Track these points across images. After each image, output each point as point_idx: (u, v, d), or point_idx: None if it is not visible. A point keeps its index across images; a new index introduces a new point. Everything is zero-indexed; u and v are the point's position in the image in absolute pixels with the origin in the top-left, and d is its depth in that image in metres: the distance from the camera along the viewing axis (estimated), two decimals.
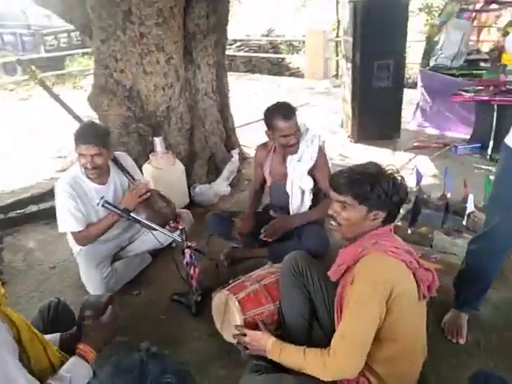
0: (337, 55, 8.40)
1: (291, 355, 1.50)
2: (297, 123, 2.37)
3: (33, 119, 6.57)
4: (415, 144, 4.67)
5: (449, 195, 3.03)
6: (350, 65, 4.79)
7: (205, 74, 3.66)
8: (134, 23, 3.14)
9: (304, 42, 8.87)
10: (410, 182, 3.35)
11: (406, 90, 4.99)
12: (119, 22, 3.15)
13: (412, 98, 5.41)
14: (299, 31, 10.98)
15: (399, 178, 1.52)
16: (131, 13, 3.10)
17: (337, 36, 8.22)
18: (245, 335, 1.69)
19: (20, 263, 2.85)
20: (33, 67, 3.51)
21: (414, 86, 6.06)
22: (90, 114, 3.78)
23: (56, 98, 4.04)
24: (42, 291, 2.55)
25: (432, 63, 5.30)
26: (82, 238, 2.40)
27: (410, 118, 5.34)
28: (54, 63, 9.63)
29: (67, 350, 1.57)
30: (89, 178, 2.40)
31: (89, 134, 2.29)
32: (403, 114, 4.95)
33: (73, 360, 1.43)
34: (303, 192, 2.51)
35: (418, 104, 5.26)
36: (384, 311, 1.38)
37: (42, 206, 3.45)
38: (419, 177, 3.11)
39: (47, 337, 1.62)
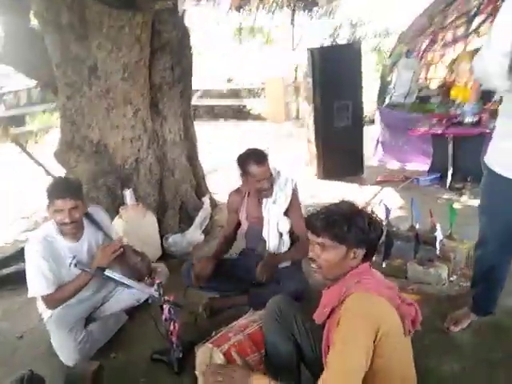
0: (297, 98, 8.73)
1: None
2: (269, 168, 2.43)
3: None
4: (379, 179, 4.84)
5: (417, 226, 3.11)
6: (311, 106, 4.99)
7: (172, 125, 3.70)
8: (99, 78, 3.17)
9: (263, 88, 9.20)
10: (379, 216, 3.44)
11: (365, 128, 5.22)
12: (85, 77, 3.17)
13: (372, 135, 5.64)
14: (258, 78, 11.38)
15: (373, 214, 1.56)
16: (97, 68, 3.15)
17: (294, 80, 8.59)
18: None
19: None
20: (7, 126, 3.48)
21: (372, 122, 6.35)
22: (56, 169, 3.71)
23: (28, 154, 3.99)
24: (11, 366, 2.36)
25: (387, 101, 5.62)
26: (54, 301, 2.28)
27: (372, 154, 5.54)
28: (14, 121, 9.48)
29: None
30: (62, 235, 2.32)
31: (64, 188, 2.25)
32: (365, 150, 5.15)
33: None
34: (281, 235, 2.53)
35: (377, 140, 5.50)
36: (371, 349, 1.36)
37: (6, 270, 3.28)
38: (387, 211, 3.19)
39: None
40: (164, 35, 3.47)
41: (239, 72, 12.02)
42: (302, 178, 5.05)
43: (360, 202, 1.60)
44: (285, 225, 2.51)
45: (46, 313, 2.38)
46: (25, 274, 2.29)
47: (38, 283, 2.23)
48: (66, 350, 2.26)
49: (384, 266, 2.90)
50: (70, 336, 2.26)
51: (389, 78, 5.83)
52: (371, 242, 1.52)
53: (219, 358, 1.76)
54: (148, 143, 3.47)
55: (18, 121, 9.82)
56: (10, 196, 5.46)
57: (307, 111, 5.27)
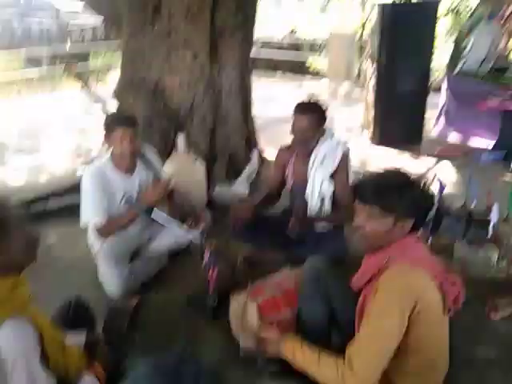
0: (360, 56, 8.30)
1: (304, 356, 1.47)
2: (310, 123, 2.37)
3: (55, 113, 6.66)
4: (437, 151, 4.59)
5: (472, 205, 2.96)
6: (374, 67, 4.73)
7: (229, 73, 3.65)
8: (162, 19, 3.17)
9: (326, 43, 8.80)
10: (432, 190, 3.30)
11: (430, 95, 4.90)
12: (148, 17, 3.18)
13: (436, 103, 5.31)
14: (322, 33, 10.90)
15: (425, 184, 1.49)
16: (161, 7, 3.13)
17: (360, 38, 8.13)
18: (260, 335, 1.67)
19: (41, 258, 2.87)
20: (72, 63, 3.61)
21: (438, 90, 5.95)
22: (114, 108, 3.81)
23: (89, 90, 4.12)
24: (62, 289, 2.55)
25: (458, 68, 5.19)
26: (103, 232, 2.41)
27: (433, 124, 5.24)
28: (78, 58, 9.77)
29: (89, 350, 1.62)
30: (116, 169, 2.42)
31: (124, 118, 2.37)
32: (426, 118, 4.86)
33: (86, 378, 1.48)
34: (323, 198, 2.49)
35: (441, 109, 5.16)
36: (405, 325, 1.35)
37: (64, 201, 3.49)
38: (441, 186, 3.04)
39: (73, 337, 1.66)
40: None
41: (303, 24, 11.56)
42: (354, 142, 4.92)
43: (414, 173, 1.52)
44: (328, 188, 2.46)
45: (95, 245, 2.53)
46: (80, 206, 2.42)
47: (90, 212, 2.36)
48: (110, 281, 2.41)
49: (430, 242, 2.81)
50: (115, 269, 2.40)
51: (463, 44, 5.37)
52: (420, 215, 1.47)
53: (252, 309, 1.81)
54: (204, 90, 3.46)
55: (82, 58, 10.11)
56: (70, 131, 5.71)
57: (369, 71, 5.00)
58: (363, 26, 8.04)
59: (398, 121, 4.70)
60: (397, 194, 1.42)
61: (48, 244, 3.07)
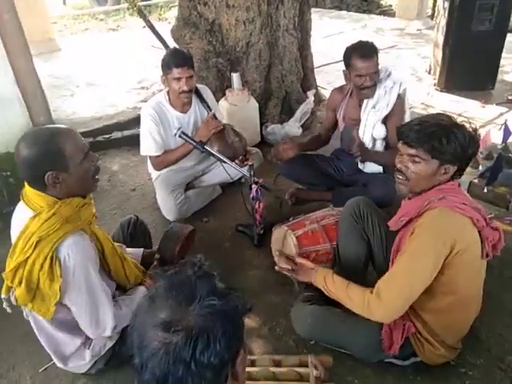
0: None
1: (335, 285, 1.55)
2: (376, 65, 2.27)
3: (120, 50, 6.86)
4: (510, 97, 4.24)
5: None
6: (447, 3, 4.34)
7: (287, 10, 3.54)
8: None
9: None
10: (496, 138, 3.12)
11: (509, 36, 4.46)
12: None
13: None
14: None
15: (472, 129, 1.44)
16: None
17: None
18: (295, 263, 1.77)
19: (105, 183, 3.16)
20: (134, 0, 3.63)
21: None
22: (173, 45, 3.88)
23: (151, 26, 4.16)
24: (123, 210, 2.83)
25: None
26: (159, 163, 2.59)
27: (510, 68, 4.80)
28: None
29: (146, 265, 1.83)
30: (172, 105, 2.54)
31: (181, 58, 2.40)
32: (502, 62, 4.46)
33: (140, 289, 1.68)
34: (375, 140, 2.45)
35: None
36: (439, 267, 1.37)
37: (126, 132, 3.72)
38: (507, 133, 2.88)
39: (131, 250, 1.88)
40: None
41: None
42: (418, 86, 4.67)
43: (478, 121, 1.46)
44: (380, 132, 2.40)
45: (154, 173, 2.73)
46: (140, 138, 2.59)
47: (148, 144, 2.53)
48: (167, 207, 2.63)
49: (486, 191, 2.71)
50: (171, 196, 2.60)
51: None
52: (466, 160, 1.44)
53: (292, 240, 1.92)
54: (261, 27, 3.41)
55: None
56: (134, 66, 5.90)
57: (442, 9, 4.60)
58: None
59: (468, 64, 4.34)
60: (444, 137, 1.39)
61: (112, 170, 3.34)
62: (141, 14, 3.55)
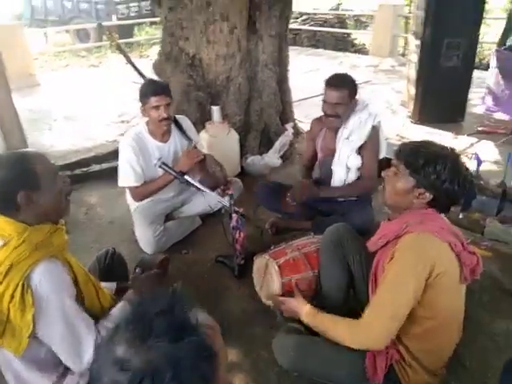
0: (406, 32, 8.00)
1: (321, 321, 1.55)
2: (341, 98, 2.33)
3: (100, 85, 6.92)
4: (480, 128, 4.42)
5: (510, 184, 2.87)
6: (418, 41, 4.58)
7: (266, 46, 3.66)
8: None
9: (372, 16, 8.52)
10: (469, 167, 3.21)
11: (476, 72, 4.70)
12: None
13: (481, 81, 5.08)
14: (368, 5, 10.54)
15: (464, 168, 1.44)
16: None
17: (409, 12, 7.81)
18: (282, 303, 1.76)
19: (82, 216, 3.10)
20: (112, 33, 3.70)
21: (485, 68, 5.67)
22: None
23: (130, 61, 4.23)
24: (100, 243, 2.76)
25: (510, 43, 4.92)
26: (138, 194, 2.55)
27: (478, 101, 5.03)
28: (124, 31, 9.99)
29: (120, 296, 1.74)
30: (151, 135, 2.55)
31: (158, 86, 2.45)
32: (470, 96, 4.68)
33: (122, 304, 1.59)
34: (349, 170, 2.49)
35: (488, 86, 4.94)
36: (421, 291, 1.38)
37: (105, 165, 3.69)
38: (479, 162, 2.97)
39: (105, 284, 1.80)
40: None
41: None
42: (393, 118, 4.83)
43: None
44: (354, 162, 2.44)
45: (132, 204, 2.69)
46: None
47: (127, 174, 2.50)
48: (145, 238, 2.58)
49: (461, 216, 2.77)
50: (150, 228, 2.56)
51: None
52: (442, 193, 1.43)
53: (274, 269, 1.90)
54: (240, 62, 3.50)
55: (127, 31, 10.34)
56: (115, 102, 5.94)
57: (413, 46, 4.85)
58: None
59: (439, 97, 4.54)
60: (424, 158, 1.41)
61: (90, 203, 3.29)
62: (120, 49, 3.62)
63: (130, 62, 3.53)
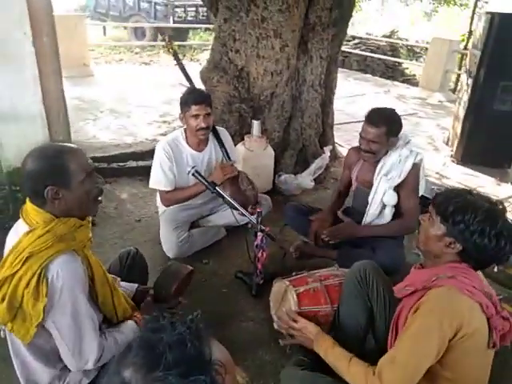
0: (459, 68, 7.82)
1: (336, 356, 1.48)
2: (378, 136, 2.25)
3: (148, 83, 7.09)
4: None
5: None
6: (470, 81, 4.45)
7: (315, 67, 3.65)
8: (258, 7, 3.23)
9: (426, 48, 8.38)
10: (510, 217, 3.07)
11: None
12: (245, 3, 3.26)
13: None
14: (424, 37, 10.41)
15: (504, 226, 1.32)
16: None
17: (464, 48, 7.64)
18: (296, 322, 1.71)
19: (112, 210, 3.15)
20: (171, 39, 3.78)
21: None
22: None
23: (182, 68, 4.32)
24: (125, 240, 2.80)
25: None
26: (167, 199, 2.57)
27: None
28: (178, 34, 10.27)
29: (138, 301, 1.75)
30: (188, 143, 2.56)
31: (200, 95, 2.47)
32: None
33: (130, 323, 1.59)
34: (384, 206, 2.42)
35: None
36: (443, 350, 1.29)
37: (141, 163, 3.75)
38: None
39: (125, 284, 1.81)
40: None
41: (405, 27, 11.12)
42: (435, 156, 4.70)
43: (492, 197, 1.41)
44: (390, 199, 2.36)
45: (161, 208, 2.71)
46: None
47: (158, 177, 2.53)
48: (168, 242, 2.59)
49: (496, 270, 2.62)
50: (174, 233, 2.57)
51: None
52: (472, 246, 1.34)
53: (292, 297, 1.85)
54: (287, 80, 3.50)
55: (182, 34, 10.61)
56: (159, 100, 6.06)
57: (465, 84, 4.72)
58: (469, 34, 7.53)
59: (487, 141, 4.38)
60: (454, 206, 1.35)
61: (121, 198, 3.34)
62: (175, 56, 3.69)
63: (182, 68, 3.59)
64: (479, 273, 1.45)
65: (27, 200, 1.39)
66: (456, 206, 1.36)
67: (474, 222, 1.32)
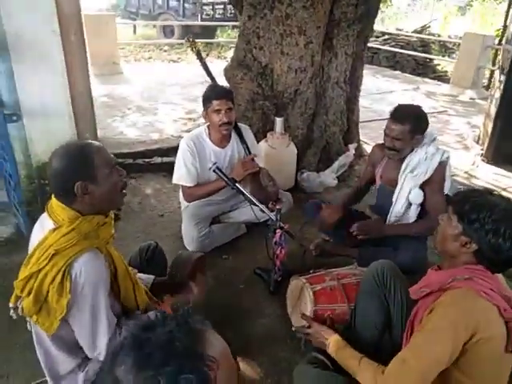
0: (493, 65, 7.55)
1: (347, 357, 1.48)
2: (402, 133, 2.20)
3: (176, 80, 7.18)
4: None
5: None
6: (503, 77, 4.29)
7: (340, 63, 3.61)
8: (282, 3, 3.22)
9: (459, 44, 8.13)
10: None
11: None
12: (269, 0, 3.26)
13: None
14: (457, 32, 10.11)
15: None
16: None
17: (499, 43, 7.37)
18: (310, 326, 1.71)
19: (136, 205, 3.22)
20: (194, 39, 3.82)
21: None
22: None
23: (206, 68, 4.36)
24: (147, 234, 2.85)
25: None
26: (189, 195, 2.61)
27: None
28: (206, 32, 10.35)
29: (156, 292, 1.78)
30: (210, 139, 2.59)
31: (221, 91, 2.51)
32: None
33: (152, 313, 1.61)
34: (410, 205, 2.37)
35: None
36: (457, 353, 1.25)
37: (165, 159, 3.81)
38: None
39: (143, 276, 1.85)
40: None
41: (438, 22, 10.83)
42: (464, 154, 4.57)
43: None
44: (416, 197, 2.32)
45: (183, 203, 2.75)
46: None
47: (181, 173, 2.57)
48: (189, 237, 2.63)
49: None
50: (195, 228, 2.60)
51: None
52: (487, 245, 1.30)
53: (308, 295, 1.85)
54: (311, 77, 3.48)
55: (210, 32, 10.70)
56: (183, 96, 6.13)
57: (498, 81, 4.56)
58: (504, 29, 7.25)
59: None
60: (471, 205, 1.32)
61: (145, 193, 3.41)
62: (198, 54, 3.73)
63: (205, 68, 3.62)
64: (499, 275, 1.41)
65: (52, 197, 1.44)
66: (472, 205, 1.32)
67: (489, 220, 1.28)
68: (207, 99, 2.48)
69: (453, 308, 1.28)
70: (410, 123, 2.20)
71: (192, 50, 3.64)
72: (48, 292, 1.36)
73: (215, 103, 2.44)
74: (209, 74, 4.25)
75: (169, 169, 3.49)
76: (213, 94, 2.46)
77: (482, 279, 1.30)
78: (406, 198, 2.36)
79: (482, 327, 1.23)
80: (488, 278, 1.32)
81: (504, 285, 1.38)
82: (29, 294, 1.37)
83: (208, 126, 2.62)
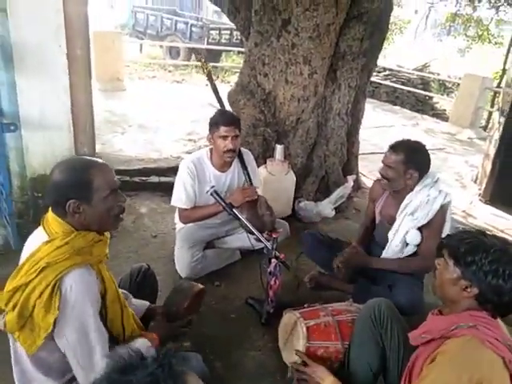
0: (491, 106, 7.68)
1: None
2: (396, 162, 2.20)
3: (178, 101, 7.22)
4: None
5: None
6: (503, 119, 4.35)
7: (343, 95, 3.64)
8: (289, 32, 3.26)
9: (458, 84, 8.29)
10: None
11: None
12: (276, 29, 3.30)
13: None
14: (456, 72, 10.32)
15: None
16: (290, 22, 3.23)
17: (497, 86, 7.51)
18: (305, 364, 1.64)
19: (129, 224, 3.16)
20: (206, 61, 3.87)
21: None
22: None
23: (215, 89, 4.38)
24: (139, 254, 2.78)
25: None
26: (186, 217, 2.57)
27: None
28: (212, 56, 10.50)
29: (148, 320, 1.71)
30: (211, 163, 2.57)
31: (229, 117, 2.51)
32: None
33: (142, 341, 1.53)
34: (406, 245, 2.33)
35: None
36: None
37: (163, 179, 3.78)
38: None
39: (137, 301, 1.78)
40: (364, 4, 3.32)
41: (438, 61, 11.07)
42: (462, 194, 4.57)
43: None
44: (413, 239, 2.28)
45: (178, 225, 2.70)
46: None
47: (180, 195, 2.53)
48: (182, 261, 2.56)
49: None
50: (188, 252, 2.54)
51: None
52: (488, 287, 1.26)
53: (301, 330, 1.78)
54: (314, 106, 3.49)
55: (215, 56, 10.85)
56: (185, 117, 6.14)
57: (497, 123, 4.61)
58: (503, 72, 7.41)
59: None
60: (466, 247, 1.29)
61: (139, 212, 3.35)
62: (209, 76, 3.75)
63: (214, 89, 3.64)
64: (501, 323, 1.36)
65: (50, 209, 1.39)
66: (467, 247, 1.29)
67: (486, 262, 1.25)
68: (215, 124, 2.46)
69: (456, 358, 1.22)
70: (404, 153, 2.20)
71: (203, 70, 3.66)
72: (34, 307, 1.29)
73: (223, 129, 2.43)
74: (217, 95, 4.27)
75: (166, 189, 3.46)
76: (221, 119, 2.46)
77: (487, 327, 1.25)
78: (402, 237, 2.32)
79: (486, 379, 1.17)
80: (492, 327, 1.27)
81: (507, 334, 1.33)
82: (13, 308, 1.30)
83: (210, 149, 2.60)
